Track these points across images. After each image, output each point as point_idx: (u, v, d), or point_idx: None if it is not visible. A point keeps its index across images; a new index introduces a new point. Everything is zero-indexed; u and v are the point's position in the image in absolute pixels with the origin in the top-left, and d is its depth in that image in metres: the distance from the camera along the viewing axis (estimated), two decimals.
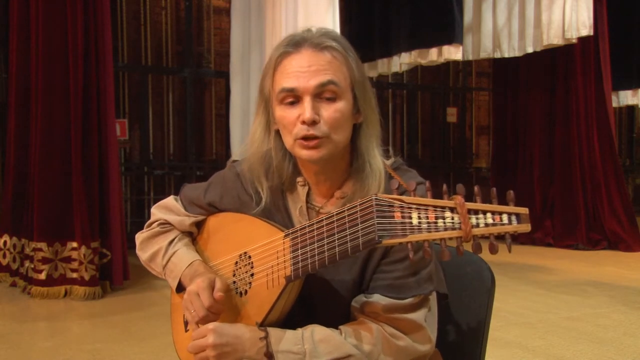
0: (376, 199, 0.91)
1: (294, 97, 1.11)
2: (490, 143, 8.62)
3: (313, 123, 1.09)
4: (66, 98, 4.12)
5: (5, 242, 4.48)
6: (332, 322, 1.14)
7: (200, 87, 7.32)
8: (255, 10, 4.87)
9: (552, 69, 6.85)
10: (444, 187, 0.90)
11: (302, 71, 1.10)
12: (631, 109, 9.68)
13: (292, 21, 4.17)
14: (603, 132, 6.60)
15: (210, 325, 1.10)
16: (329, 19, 4.07)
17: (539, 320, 3.64)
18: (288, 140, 1.14)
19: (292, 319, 1.16)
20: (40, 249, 4.09)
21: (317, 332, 1.10)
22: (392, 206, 0.90)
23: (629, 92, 7.00)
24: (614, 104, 6.97)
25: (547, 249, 6.53)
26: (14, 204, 4.43)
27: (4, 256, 4.47)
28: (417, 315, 1.12)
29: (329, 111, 1.10)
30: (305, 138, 1.10)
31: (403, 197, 0.90)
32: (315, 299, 1.18)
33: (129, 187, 6.93)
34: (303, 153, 1.12)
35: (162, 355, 2.95)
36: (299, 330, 1.11)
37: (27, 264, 4.24)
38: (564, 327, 3.45)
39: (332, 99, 1.10)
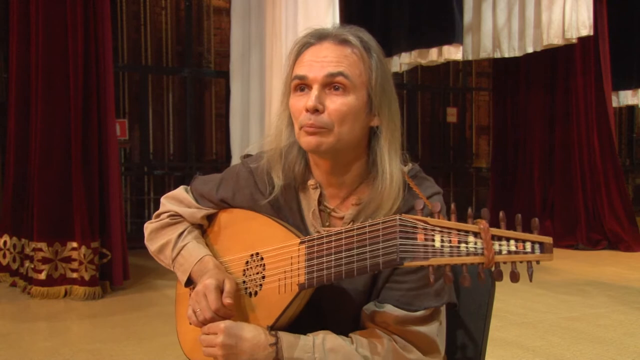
0: (400, 219, 0.90)
1: (305, 86, 1.11)
2: (490, 143, 8.61)
3: (315, 111, 1.08)
4: (66, 98, 4.11)
5: (5, 242, 4.48)
6: (341, 327, 1.13)
7: (200, 87, 7.32)
8: (255, 10, 4.87)
9: (552, 69, 6.85)
10: (469, 210, 0.89)
11: (316, 61, 1.10)
12: (631, 109, 9.68)
13: (292, 21, 4.17)
14: (603, 132, 6.60)
15: (222, 324, 1.09)
16: (329, 19, 4.07)
17: (539, 320, 3.64)
18: (296, 129, 1.13)
19: (301, 323, 1.15)
20: (40, 249, 4.08)
21: (328, 341, 1.09)
22: (416, 227, 0.89)
23: (629, 92, 7.00)
24: (614, 104, 6.97)
25: None
26: (14, 204, 4.43)
27: (4, 256, 4.47)
28: (429, 329, 1.11)
29: (335, 103, 1.09)
30: (309, 126, 1.09)
31: (427, 219, 0.89)
32: (325, 305, 1.17)
33: (129, 187, 6.93)
34: (304, 140, 1.11)
35: (162, 355, 2.95)
36: (310, 337, 1.09)
37: (27, 264, 4.24)
38: (564, 327, 3.45)
39: (341, 92, 1.09)
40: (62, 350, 3.02)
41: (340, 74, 1.08)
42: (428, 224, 0.88)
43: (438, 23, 5.20)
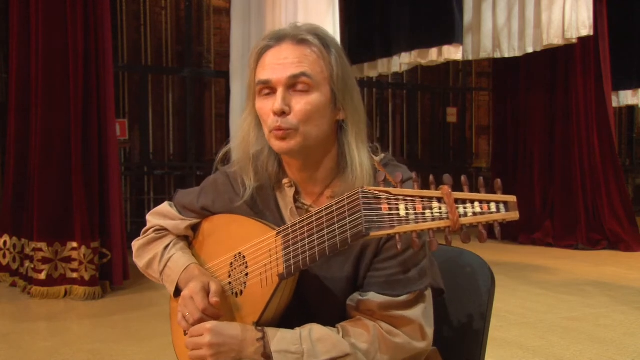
0: (363, 191, 0.91)
1: (269, 89, 1.13)
2: (490, 143, 8.62)
3: (282, 114, 1.10)
4: (66, 98, 4.12)
5: (5, 242, 4.48)
6: (328, 320, 1.14)
7: (200, 87, 7.32)
8: (255, 10, 4.87)
9: (552, 69, 6.85)
10: (431, 177, 0.90)
11: (278, 63, 1.12)
12: (631, 109, 9.68)
13: (292, 21, 4.15)
14: (603, 132, 6.60)
15: (208, 325, 1.10)
16: (329, 19, 4.07)
17: (539, 320, 3.64)
18: (265, 132, 1.15)
19: (288, 318, 1.16)
20: (40, 249, 4.08)
21: (314, 331, 1.10)
22: (379, 198, 0.89)
23: (629, 92, 7.00)
24: (614, 104, 6.97)
25: (547, 249, 6.53)
26: (14, 204, 4.43)
27: (4, 256, 4.47)
28: (413, 312, 1.12)
29: (300, 103, 1.11)
30: (277, 129, 1.11)
31: (390, 189, 0.90)
32: (310, 298, 1.18)
33: (129, 187, 6.93)
34: (274, 144, 1.13)
35: (162, 355, 2.95)
36: (297, 330, 1.11)
37: (27, 264, 4.24)
38: (564, 327, 3.45)
39: (305, 91, 1.11)
40: (62, 350, 3.02)
41: (302, 74, 1.10)
42: (391, 194, 0.89)
43: (438, 23, 5.20)
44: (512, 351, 3.03)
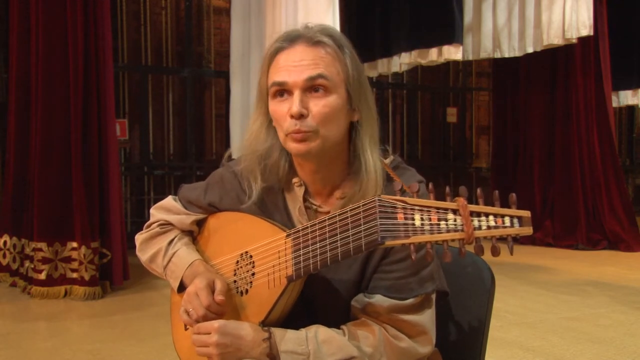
0: (379, 200, 0.91)
1: (285, 91, 1.12)
2: (490, 143, 8.61)
3: (300, 117, 1.09)
4: (66, 98, 4.11)
5: (5, 242, 4.48)
6: (332, 321, 1.14)
7: (200, 87, 7.32)
8: (255, 10, 4.87)
9: (552, 69, 6.84)
10: (447, 189, 0.90)
11: (293, 65, 1.10)
12: (631, 109, 9.67)
13: (292, 21, 4.17)
14: (603, 132, 6.60)
15: (216, 324, 1.10)
16: (329, 19, 4.07)
17: (539, 320, 3.64)
18: (280, 135, 1.14)
19: (293, 318, 1.16)
20: (40, 249, 4.08)
21: (320, 333, 1.10)
22: (395, 207, 0.90)
23: (629, 92, 7.00)
24: (614, 104, 6.96)
25: (547, 249, 6.53)
26: (14, 204, 4.43)
27: (4, 256, 4.47)
28: (419, 316, 1.12)
29: (318, 105, 1.10)
30: (296, 132, 1.10)
31: (406, 199, 0.90)
32: (315, 298, 1.18)
33: (129, 187, 6.93)
34: (292, 147, 1.12)
35: (162, 355, 2.95)
36: (303, 331, 1.11)
37: (27, 264, 4.24)
38: (564, 327, 3.45)
39: (322, 93, 1.10)
40: (62, 350, 3.02)
41: (320, 76, 1.09)
42: (407, 203, 0.90)
43: (438, 23, 5.20)
44: (512, 351, 3.03)
